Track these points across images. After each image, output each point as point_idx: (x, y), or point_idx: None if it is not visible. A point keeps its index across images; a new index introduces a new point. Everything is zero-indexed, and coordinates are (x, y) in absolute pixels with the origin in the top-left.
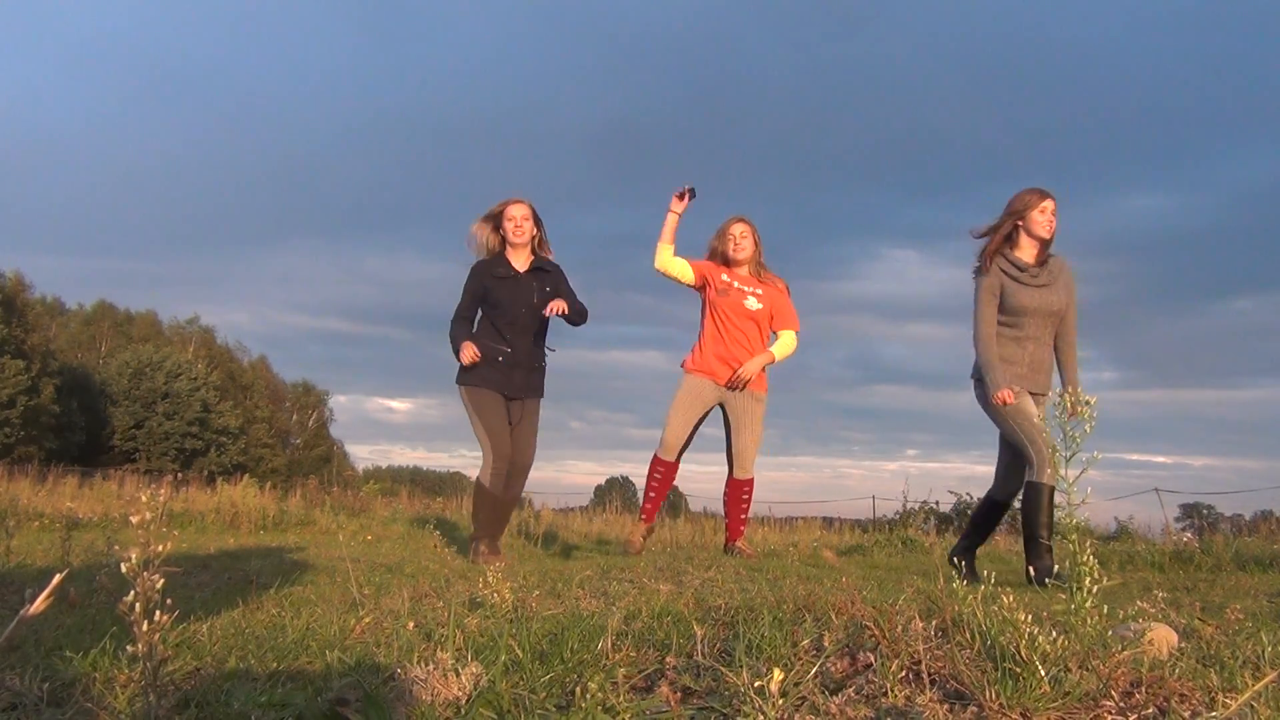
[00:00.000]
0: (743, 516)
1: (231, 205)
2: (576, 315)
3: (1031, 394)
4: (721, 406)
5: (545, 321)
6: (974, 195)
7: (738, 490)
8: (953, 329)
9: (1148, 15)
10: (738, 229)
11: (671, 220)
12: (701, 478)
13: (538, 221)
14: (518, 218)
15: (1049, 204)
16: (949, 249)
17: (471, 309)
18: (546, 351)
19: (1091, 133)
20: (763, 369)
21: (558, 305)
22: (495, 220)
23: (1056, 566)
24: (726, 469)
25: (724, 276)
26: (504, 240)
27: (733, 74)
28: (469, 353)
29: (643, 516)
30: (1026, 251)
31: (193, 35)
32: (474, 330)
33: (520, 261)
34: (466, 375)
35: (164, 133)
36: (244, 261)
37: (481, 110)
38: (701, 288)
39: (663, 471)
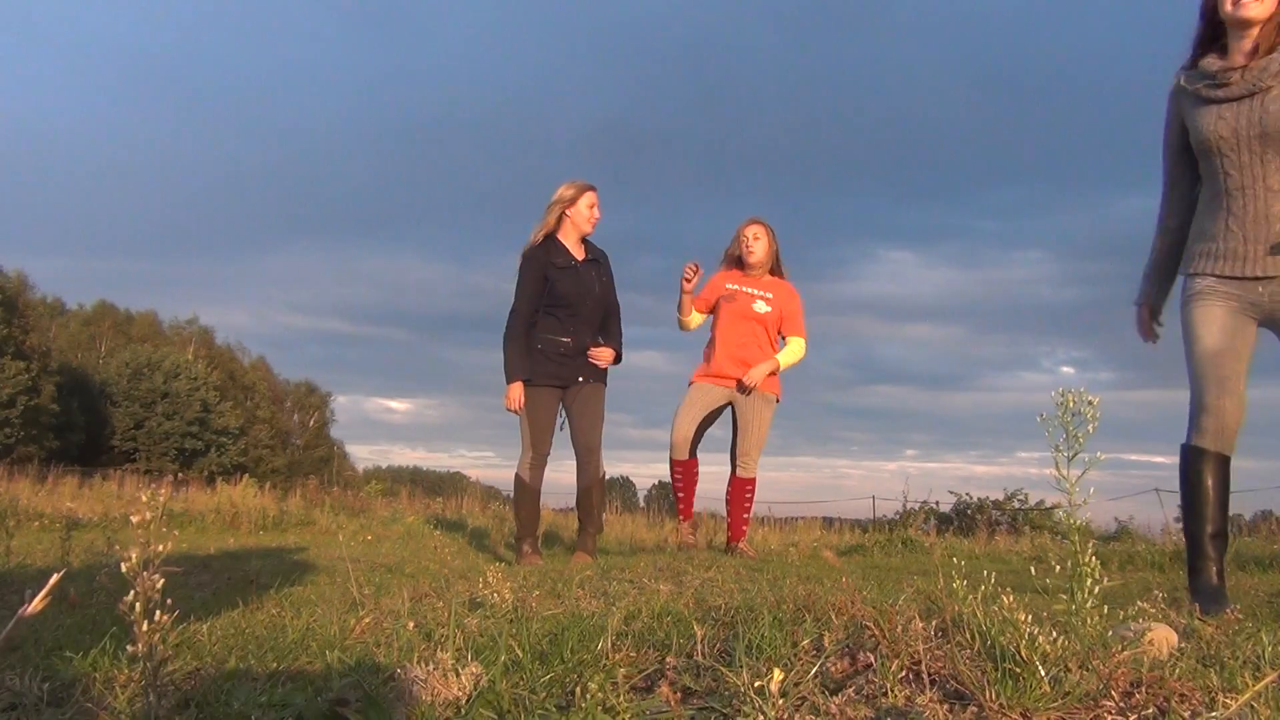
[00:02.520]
0: (745, 516)
1: (231, 206)
2: (620, 352)
3: (1260, 280)
4: (731, 406)
5: (607, 311)
6: (971, 197)
7: (740, 489)
8: (950, 329)
9: (1144, 18)
10: (750, 231)
11: (686, 300)
12: (702, 477)
13: None
14: (597, 205)
15: None
16: (946, 250)
17: (534, 306)
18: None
19: (1088, 134)
20: (772, 374)
21: (606, 357)
22: (567, 204)
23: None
24: (730, 468)
25: (729, 284)
26: (564, 224)
27: (731, 74)
28: (514, 400)
29: (680, 516)
30: (1233, 56)
31: (193, 36)
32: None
33: (576, 248)
34: (513, 374)
35: (164, 133)
36: (244, 262)
37: (481, 110)
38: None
39: (680, 471)
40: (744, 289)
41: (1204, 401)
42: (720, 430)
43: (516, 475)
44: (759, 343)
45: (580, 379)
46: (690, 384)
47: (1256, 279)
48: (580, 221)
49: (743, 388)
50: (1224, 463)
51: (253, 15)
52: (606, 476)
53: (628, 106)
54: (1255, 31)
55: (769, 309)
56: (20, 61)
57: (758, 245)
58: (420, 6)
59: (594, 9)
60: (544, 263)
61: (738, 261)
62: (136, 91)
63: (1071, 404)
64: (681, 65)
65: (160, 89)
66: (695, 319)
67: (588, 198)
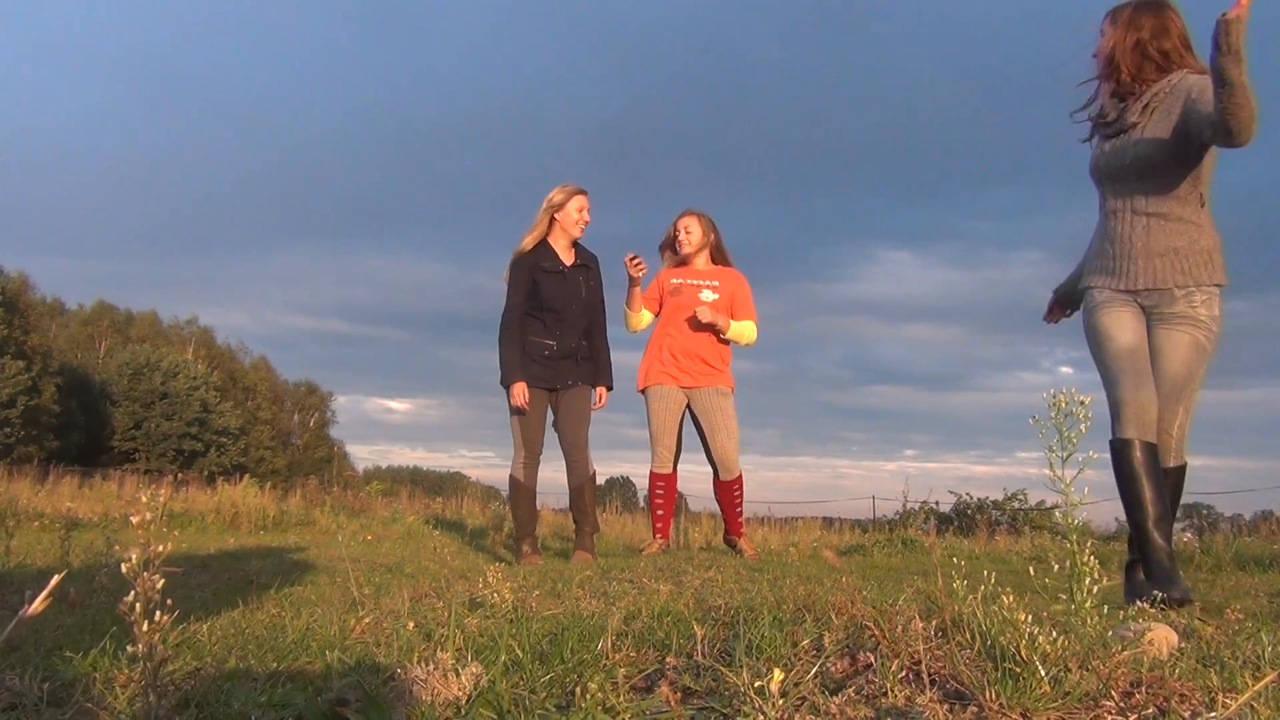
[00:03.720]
0: (738, 511)
1: (231, 207)
2: (611, 383)
3: (1141, 292)
4: (689, 410)
5: (592, 316)
6: (969, 198)
7: (728, 491)
8: (949, 330)
9: None
10: (683, 223)
11: (637, 293)
12: (702, 478)
13: None
14: (587, 208)
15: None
16: (944, 251)
17: (524, 308)
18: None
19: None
20: (715, 322)
21: (603, 399)
22: (556, 209)
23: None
24: (711, 472)
25: (673, 280)
26: (554, 227)
27: (731, 76)
28: (519, 396)
29: (657, 534)
30: (1110, 97)
31: (192, 37)
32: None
33: (565, 252)
34: (513, 375)
35: (165, 134)
36: (243, 263)
37: (480, 111)
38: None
39: (663, 485)
40: (689, 281)
41: (1123, 395)
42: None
43: (511, 476)
44: (708, 333)
45: (569, 382)
46: (646, 389)
47: (1135, 291)
48: (569, 225)
49: (695, 321)
50: (1152, 450)
51: (253, 18)
52: (596, 474)
53: (627, 108)
54: (1115, 76)
55: (716, 296)
56: (22, 63)
57: (691, 236)
58: (420, 9)
59: (593, 11)
60: (532, 265)
61: (673, 255)
62: (138, 93)
63: (1063, 404)
64: (681, 67)
65: (162, 91)
66: (645, 318)
67: (576, 201)
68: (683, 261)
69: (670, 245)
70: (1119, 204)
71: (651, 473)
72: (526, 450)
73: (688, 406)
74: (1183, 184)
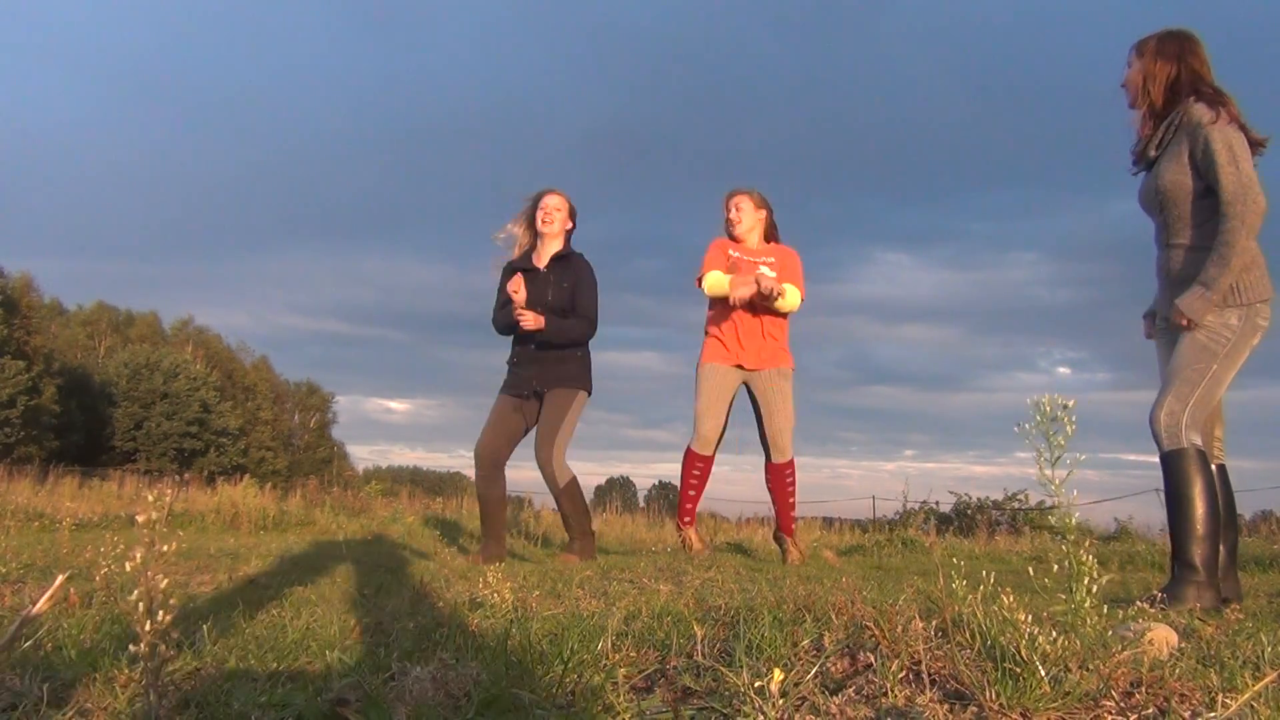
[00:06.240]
0: (791, 502)
1: (231, 208)
2: (558, 333)
3: (1165, 319)
4: (748, 390)
5: (565, 314)
6: (965, 200)
7: (780, 475)
8: (947, 330)
9: (1136, 24)
10: (733, 202)
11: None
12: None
13: (571, 216)
14: (549, 207)
15: (1131, 56)
16: (941, 252)
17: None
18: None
19: (1081, 138)
20: (772, 290)
21: (531, 321)
22: (530, 213)
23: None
24: (763, 456)
25: (731, 252)
26: (535, 233)
27: (729, 77)
28: (530, 320)
29: (685, 523)
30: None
31: (194, 39)
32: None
33: (544, 254)
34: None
35: (165, 136)
36: (243, 263)
37: (479, 113)
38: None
39: (701, 467)
40: (745, 258)
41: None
42: (739, 415)
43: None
44: (768, 308)
45: (533, 390)
46: (701, 365)
47: (1168, 319)
48: (536, 223)
49: (763, 295)
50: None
51: (252, 19)
52: (576, 481)
53: (625, 109)
54: (1138, 111)
55: (774, 274)
56: (22, 65)
57: (741, 214)
58: (418, 9)
59: (592, 12)
60: (513, 269)
61: (728, 233)
62: (138, 95)
63: (1047, 409)
64: (679, 68)
65: (161, 92)
66: (714, 280)
67: (541, 201)
68: (736, 236)
69: (725, 224)
70: (1156, 235)
71: (690, 451)
72: (478, 461)
73: (747, 388)
74: (1201, 214)
